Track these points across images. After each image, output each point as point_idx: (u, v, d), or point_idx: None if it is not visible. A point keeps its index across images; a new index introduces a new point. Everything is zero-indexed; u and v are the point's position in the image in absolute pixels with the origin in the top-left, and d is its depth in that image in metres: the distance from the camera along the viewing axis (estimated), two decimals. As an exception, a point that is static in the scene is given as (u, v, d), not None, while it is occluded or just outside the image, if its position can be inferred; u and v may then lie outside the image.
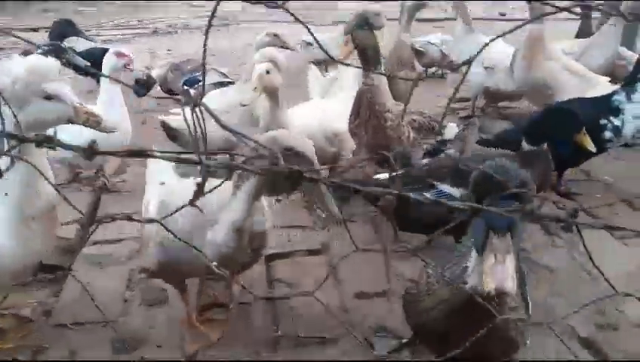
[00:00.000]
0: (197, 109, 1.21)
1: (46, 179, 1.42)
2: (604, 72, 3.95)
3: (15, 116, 1.42)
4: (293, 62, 4.42)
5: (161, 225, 1.23)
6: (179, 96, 4.68)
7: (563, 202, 3.18)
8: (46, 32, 5.92)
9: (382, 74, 3.53)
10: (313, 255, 2.79)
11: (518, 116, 4.54)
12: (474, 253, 1.41)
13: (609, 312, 2.27)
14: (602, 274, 1.03)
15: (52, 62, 1.85)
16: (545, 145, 2.50)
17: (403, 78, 4.01)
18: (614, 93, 3.20)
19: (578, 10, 4.92)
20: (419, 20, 4.54)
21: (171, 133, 3.55)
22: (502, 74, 4.26)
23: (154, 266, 2.06)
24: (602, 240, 2.73)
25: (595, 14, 5.11)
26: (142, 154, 1.20)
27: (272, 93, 3.05)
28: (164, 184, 2.21)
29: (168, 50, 7.18)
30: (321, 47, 1.01)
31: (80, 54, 4.70)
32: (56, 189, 1.36)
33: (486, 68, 4.35)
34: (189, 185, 1.93)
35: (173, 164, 2.32)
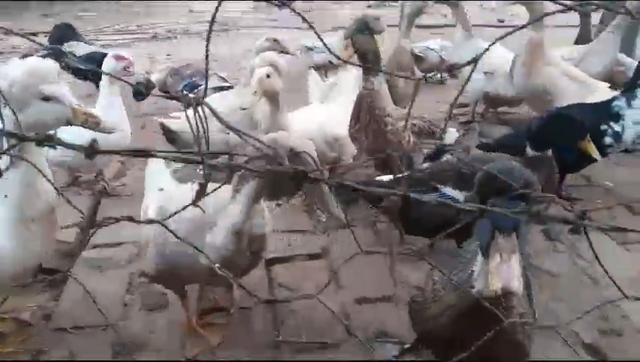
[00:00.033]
0: (199, 109, 1.22)
1: (46, 178, 1.41)
2: (603, 78, 3.96)
3: (15, 115, 1.41)
4: (293, 67, 4.42)
5: (163, 225, 1.22)
6: (178, 95, 4.67)
7: (567, 204, 3.18)
8: (45, 36, 5.93)
9: (386, 73, 3.53)
10: (314, 259, 2.78)
11: (518, 121, 4.55)
12: (480, 258, 1.40)
13: (612, 318, 2.26)
14: (611, 279, 1.02)
15: (50, 64, 1.85)
16: (549, 151, 2.50)
17: (404, 76, 4.01)
18: (614, 98, 3.21)
19: (577, 17, 4.94)
20: (417, 27, 4.54)
21: (171, 135, 3.55)
22: (501, 79, 4.27)
23: (153, 271, 2.06)
24: (604, 246, 2.73)
25: (594, 21, 5.14)
26: (143, 153, 1.19)
27: (272, 97, 3.05)
28: (162, 190, 2.21)
29: (168, 55, 7.19)
30: (327, 47, 1.00)
31: (80, 58, 4.70)
32: (56, 188, 1.35)
33: (485, 73, 4.36)
34: (188, 190, 1.94)
35: (171, 169, 2.34)
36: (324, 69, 5.25)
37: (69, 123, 1.83)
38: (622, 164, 3.71)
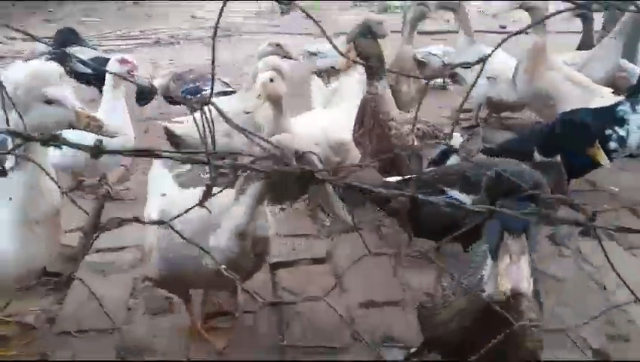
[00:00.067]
0: (205, 111, 1.21)
1: (50, 177, 1.40)
2: (605, 84, 3.96)
3: (21, 117, 1.41)
4: (296, 72, 4.43)
5: (169, 226, 1.22)
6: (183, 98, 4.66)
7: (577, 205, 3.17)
8: (49, 40, 5.93)
9: (392, 72, 3.51)
10: (318, 263, 2.77)
11: (521, 127, 4.55)
12: (489, 261, 1.39)
13: (619, 323, 2.25)
14: (625, 283, 1.01)
15: (54, 67, 1.85)
16: (558, 157, 2.49)
17: (413, 76, 4.01)
18: (619, 103, 3.21)
19: (579, 24, 4.95)
20: (419, 33, 4.54)
21: (175, 140, 3.54)
22: (504, 85, 4.26)
23: (156, 276, 2.06)
24: (611, 251, 2.70)
25: (596, 28, 5.14)
26: (148, 153, 1.19)
27: (275, 102, 3.04)
28: (165, 195, 2.21)
29: (170, 60, 7.20)
30: (336, 49, 1.00)
31: (83, 63, 4.71)
32: (59, 187, 1.35)
33: (488, 78, 4.36)
34: (190, 195, 1.94)
35: (174, 174, 2.34)
36: (326, 74, 5.26)
37: (71, 126, 1.83)
38: (626, 168, 3.71)
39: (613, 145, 3.09)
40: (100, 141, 1.11)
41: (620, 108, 3.17)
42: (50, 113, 1.78)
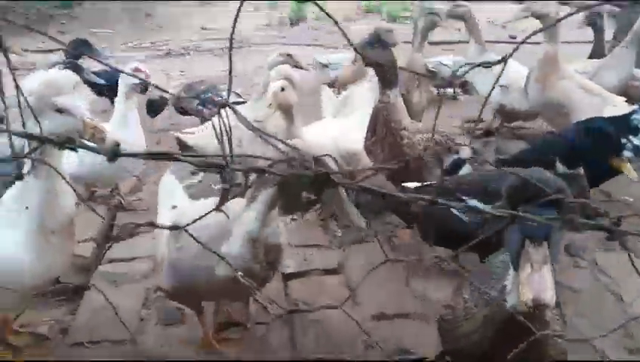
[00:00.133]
0: (223, 114, 1.21)
1: (66, 181, 1.41)
2: (618, 93, 3.92)
3: (38, 122, 1.42)
4: (306, 82, 4.44)
5: (186, 231, 1.22)
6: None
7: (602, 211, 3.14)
8: (62, 52, 5.99)
9: (405, 69, 3.48)
10: (330, 274, 2.76)
11: (533, 136, 4.52)
12: (511, 272, 1.36)
13: (638, 336, 2.21)
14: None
15: (67, 76, 1.87)
16: (581, 169, 2.47)
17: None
18: (633, 112, 3.18)
19: (590, 33, 4.93)
20: (429, 43, 4.53)
21: (186, 150, 3.56)
22: (516, 93, 4.24)
23: (168, 288, 2.05)
24: (628, 262, 2.67)
25: (608, 37, 5.12)
26: (166, 156, 1.18)
27: (286, 111, 3.04)
28: (175, 207, 2.21)
29: (181, 71, 7.24)
30: (356, 49, 0.99)
31: (95, 74, 4.74)
32: (74, 190, 1.34)
33: (500, 87, 4.34)
34: (201, 206, 1.93)
35: (184, 185, 2.35)
36: (337, 85, 5.25)
37: (79, 136, 1.84)
38: (640, 178, 3.66)
39: (628, 154, 3.05)
40: (117, 144, 1.11)
41: (634, 116, 3.14)
42: (60, 122, 1.80)
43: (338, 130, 3.41)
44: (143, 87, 3.60)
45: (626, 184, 3.37)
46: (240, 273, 1.53)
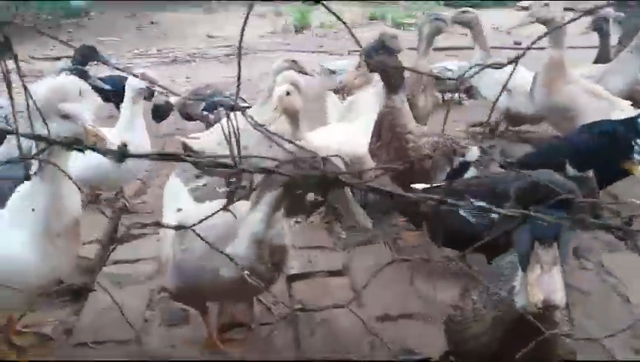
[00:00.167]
0: (232, 116, 1.22)
1: (72, 180, 1.41)
2: (624, 97, 3.91)
3: (46, 124, 1.43)
4: (312, 88, 4.45)
5: (193, 231, 1.22)
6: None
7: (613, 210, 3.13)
8: (68, 59, 6.04)
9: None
10: (334, 276, 2.75)
11: (539, 140, 4.51)
12: (520, 273, 1.35)
13: (644, 336, 2.20)
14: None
15: (74, 82, 1.88)
16: (591, 172, 2.46)
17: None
18: (639, 115, 3.16)
19: (596, 38, 4.94)
20: (434, 49, 4.54)
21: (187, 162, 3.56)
22: (522, 97, 4.25)
23: (173, 289, 2.06)
24: (634, 263, 2.66)
25: (613, 42, 5.12)
26: (173, 157, 1.19)
27: (292, 115, 3.05)
28: (180, 210, 2.22)
29: (187, 77, 7.30)
30: (359, 43, 1.00)
31: (102, 80, 4.77)
32: (79, 189, 1.35)
33: (506, 91, 4.34)
34: (206, 209, 1.94)
35: (189, 188, 2.35)
36: (342, 91, 5.27)
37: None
38: (647, 181, 3.65)
39: (635, 156, 3.04)
40: (125, 145, 1.12)
41: (640, 120, 3.13)
42: (65, 127, 1.81)
43: (343, 135, 3.41)
44: (149, 92, 3.62)
45: (631, 186, 3.36)
46: (247, 272, 1.54)
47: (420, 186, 2.60)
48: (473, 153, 3.19)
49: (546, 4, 3.78)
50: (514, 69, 1.07)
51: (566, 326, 1.47)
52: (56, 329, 2.36)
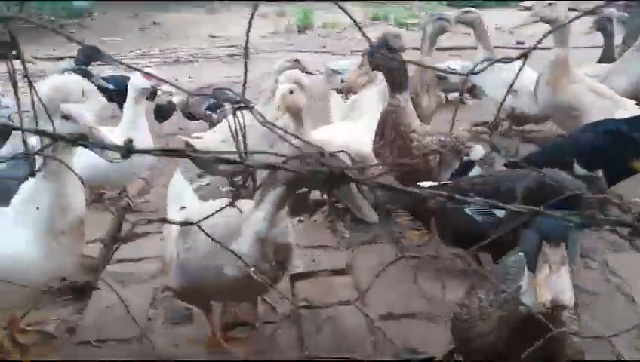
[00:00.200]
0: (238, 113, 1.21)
1: (77, 175, 1.41)
2: (628, 97, 3.90)
3: (51, 120, 1.42)
4: (315, 87, 4.45)
5: (199, 227, 1.21)
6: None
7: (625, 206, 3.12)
8: (71, 59, 6.05)
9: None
10: (337, 275, 2.74)
11: (543, 139, 4.50)
12: (527, 272, 1.34)
13: (649, 336, 2.18)
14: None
15: (77, 81, 1.88)
16: (600, 172, 2.45)
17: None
18: (644, 114, 3.16)
19: (600, 38, 4.92)
20: (437, 49, 4.53)
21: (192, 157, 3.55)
22: (525, 97, 4.23)
23: (177, 288, 2.05)
24: (638, 263, 2.65)
25: (617, 42, 5.11)
26: (178, 153, 1.18)
27: (295, 114, 3.05)
28: (184, 208, 2.22)
29: (190, 77, 7.30)
30: (369, 41, 0.99)
31: (105, 80, 4.77)
32: (82, 182, 1.34)
33: (511, 91, 4.32)
34: (210, 207, 1.94)
35: (193, 187, 2.35)
36: (345, 91, 5.26)
37: None
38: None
39: (641, 155, 3.02)
40: (131, 140, 1.11)
41: (645, 118, 3.11)
42: (67, 128, 1.81)
43: (347, 133, 3.41)
44: (152, 92, 3.62)
45: (634, 185, 3.36)
46: (253, 268, 1.53)
47: (426, 184, 2.59)
48: (477, 152, 3.19)
49: (551, 4, 3.77)
50: (523, 64, 1.06)
51: (574, 326, 1.46)
52: (59, 327, 2.35)
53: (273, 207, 1.82)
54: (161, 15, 11.80)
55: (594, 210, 1.18)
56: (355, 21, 1.03)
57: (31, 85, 1.24)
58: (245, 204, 1.88)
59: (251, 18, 1.08)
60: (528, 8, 10.28)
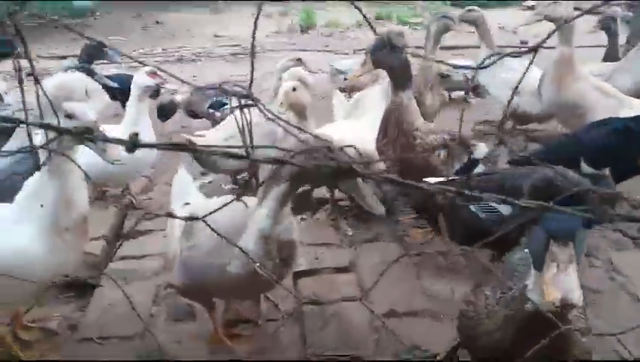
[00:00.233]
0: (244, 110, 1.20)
1: (80, 168, 1.41)
2: (632, 96, 3.89)
3: (57, 115, 1.42)
4: (318, 86, 4.44)
5: (204, 222, 1.21)
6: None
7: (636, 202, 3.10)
8: (74, 57, 6.06)
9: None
10: (341, 273, 2.73)
11: (547, 138, 4.48)
12: (533, 271, 1.34)
13: (654, 335, 2.17)
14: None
15: (81, 79, 1.88)
16: (607, 170, 2.44)
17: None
18: (649, 112, 3.14)
19: (604, 37, 4.91)
20: (440, 48, 4.52)
21: (197, 153, 3.55)
22: (528, 96, 4.22)
23: (180, 285, 2.05)
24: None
25: (621, 41, 5.10)
26: (183, 147, 1.18)
27: (299, 111, 3.04)
28: (188, 204, 2.21)
29: (193, 76, 7.30)
30: (375, 32, 0.99)
31: (109, 78, 4.78)
32: (86, 175, 1.34)
33: (513, 90, 4.31)
34: (214, 204, 1.94)
35: (197, 184, 2.35)
36: (348, 90, 5.25)
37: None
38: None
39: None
40: (136, 134, 1.11)
41: (650, 117, 3.09)
42: (69, 126, 1.79)
43: (350, 131, 3.40)
44: (155, 91, 3.61)
45: (636, 184, 3.35)
46: (258, 264, 1.53)
47: (432, 180, 2.58)
48: (481, 150, 3.18)
49: (556, 3, 3.76)
50: (533, 58, 1.05)
51: (582, 324, 1.45)
52: (62, 324, 2.36)
53: (276, 204, 1.81)
54: (164, 15, 11.81)
55: (605, 206, 1.17)
56: (366, 18, 1.02)
57: (37, 82, 1.24)
58: (249, 201, 1.88)
59: (257, 18, 1.07)
60: (531, 8, 10.27)
